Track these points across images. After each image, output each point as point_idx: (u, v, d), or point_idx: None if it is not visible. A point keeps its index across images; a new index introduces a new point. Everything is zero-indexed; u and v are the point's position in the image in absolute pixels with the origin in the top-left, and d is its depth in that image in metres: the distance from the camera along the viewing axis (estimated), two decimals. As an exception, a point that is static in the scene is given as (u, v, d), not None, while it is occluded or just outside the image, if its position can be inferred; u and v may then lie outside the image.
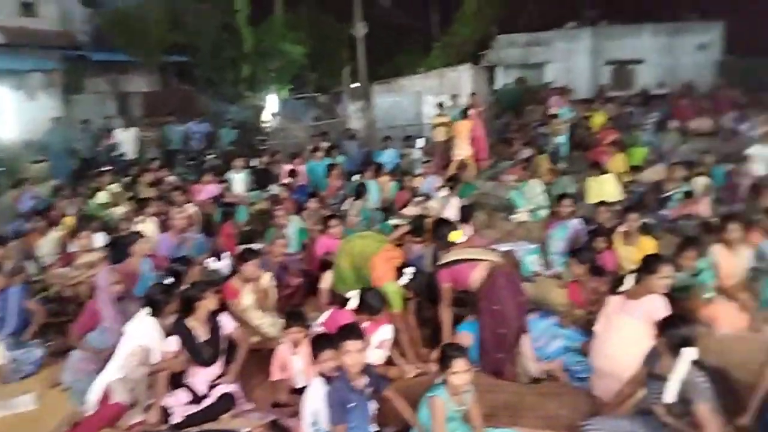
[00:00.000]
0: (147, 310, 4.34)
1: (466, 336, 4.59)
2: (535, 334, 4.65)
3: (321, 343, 3.89)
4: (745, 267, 5.56)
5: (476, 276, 4.51)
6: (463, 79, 15.49)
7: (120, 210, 8.24)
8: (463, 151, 11.41)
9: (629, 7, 23.82)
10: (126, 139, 13.58)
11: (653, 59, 22.19)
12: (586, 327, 4.81)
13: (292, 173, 10.05)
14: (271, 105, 19.64)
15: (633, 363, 3.73)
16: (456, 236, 4.84)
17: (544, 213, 8.53)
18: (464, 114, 11.76)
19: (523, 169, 10.08)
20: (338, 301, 4.84)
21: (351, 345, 3.58)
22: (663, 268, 4.15)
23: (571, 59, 22.77)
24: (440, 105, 13.67)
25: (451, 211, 7.89)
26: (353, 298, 4.56)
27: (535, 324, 4.74)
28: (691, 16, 22.74)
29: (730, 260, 5.49)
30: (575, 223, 6.85)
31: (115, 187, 9.35)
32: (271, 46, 19.53)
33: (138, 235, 5.89)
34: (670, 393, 3.33)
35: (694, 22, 22.49)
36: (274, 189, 9.60)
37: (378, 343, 4.55)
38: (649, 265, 4.20)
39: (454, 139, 11.60)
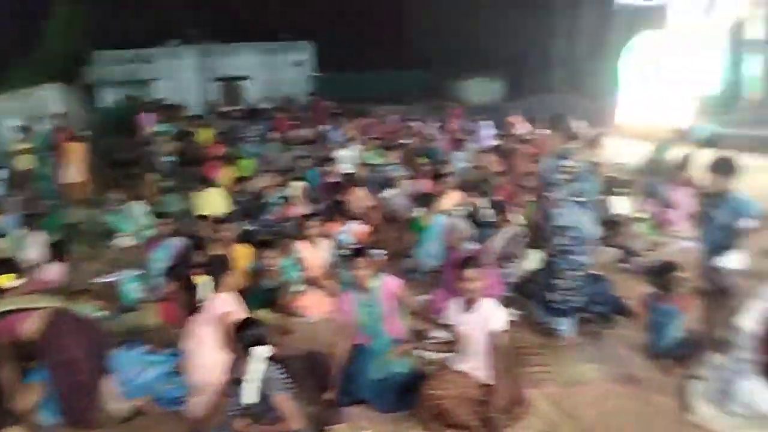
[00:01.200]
0: None
1: (36, 388, 3.91)
2: (124, 367, 4.26)
3: None
4: (328, 257, 6.22)
5: (29, 327, 3.87)
6: (52, 99, 13.78)
7: None
8: (76, 175, 10.37)
9: (228, 26, 24.82)
10: None
11: (257, 75, 23.78)
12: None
13: None
14: None
15: (219, 371, 3.71)
16: (4, 281, 4.07)
17: (150, 233, 8.09)
18: (72, 137, 10.72)
19: (131, 189, 9.46)
20: None
21: None
22: (226, 269, 4.38)
23: (179, 76, 22.77)
24: (24, 129, 11.78)
25: (34, 250, 6.81)
26: None
27: (123, 358, 4.35)
28: (286, 36, 25.02)
29: (312, 253, 6.07)
30: (176, 242, 6.62)
31: None
32: None
33: None
34: (248, 394, 3.39)
35: (289, 42, 24.82)
36: None
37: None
38: (216, 267, 4.34)
39: (63, 164, 10.48)
